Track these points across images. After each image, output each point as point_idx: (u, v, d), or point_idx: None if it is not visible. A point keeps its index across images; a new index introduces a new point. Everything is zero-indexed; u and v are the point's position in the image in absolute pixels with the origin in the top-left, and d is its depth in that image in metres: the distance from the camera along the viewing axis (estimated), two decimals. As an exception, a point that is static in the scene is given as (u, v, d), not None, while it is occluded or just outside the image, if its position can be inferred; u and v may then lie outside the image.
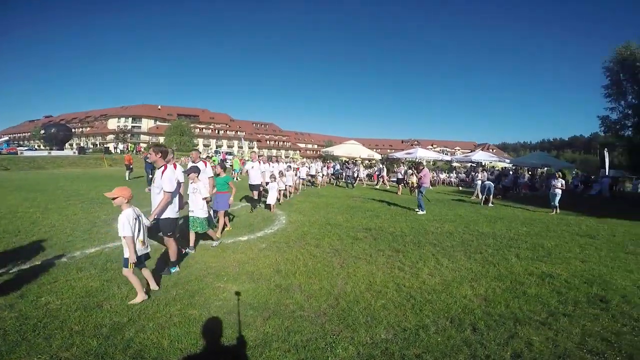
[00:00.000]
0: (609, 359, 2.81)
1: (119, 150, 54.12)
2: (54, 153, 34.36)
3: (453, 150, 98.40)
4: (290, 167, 13.07)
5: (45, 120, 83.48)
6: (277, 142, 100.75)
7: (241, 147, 72.73)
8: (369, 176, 21.44)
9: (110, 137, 74.07)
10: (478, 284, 4.40)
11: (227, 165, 21.70)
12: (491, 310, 3.66)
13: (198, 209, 5.25)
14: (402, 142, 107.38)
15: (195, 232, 5.35)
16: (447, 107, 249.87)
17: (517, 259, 5.55)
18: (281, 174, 10.45)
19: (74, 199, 9.77)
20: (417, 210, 9.95)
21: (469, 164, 29.36)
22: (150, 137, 76.50)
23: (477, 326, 3.30)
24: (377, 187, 18.87)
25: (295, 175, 13.10)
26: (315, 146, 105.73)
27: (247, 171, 9.50)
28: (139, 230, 3.55)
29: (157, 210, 4.18)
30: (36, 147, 50.31)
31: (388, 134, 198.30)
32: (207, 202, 5.49)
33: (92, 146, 64.71)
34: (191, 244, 5.33)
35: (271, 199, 9.09)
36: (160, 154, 4.40)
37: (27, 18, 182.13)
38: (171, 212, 4.38)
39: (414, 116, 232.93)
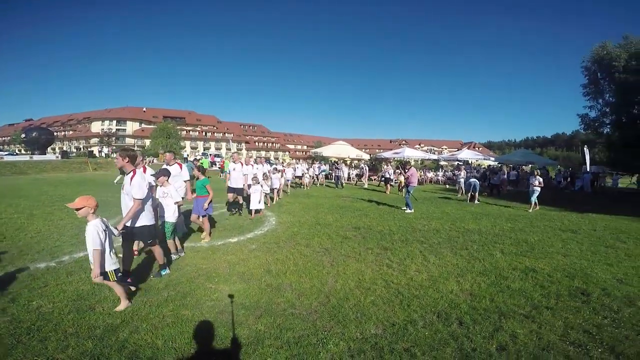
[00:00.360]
0: (591, 351, 2.92)
1: (103, 154, 53.00)
2: (36, 157, 33.35)
3: (440, 149, 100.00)
4: (276, 169, 12.54)
5: (25, 124, 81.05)
6: (265, 144, 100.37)
7: (229, 149, 72.19)
8: (359, 176, 21.58)
9: (95, 140, 72.56)
10: (464, 279, 4.54)
11: (216, 167, 21.09)
12: (476, 304, 3.78)
13: (169, 214, 5.01)
14: (391, 142, 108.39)
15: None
16: (434, 107, 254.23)
17: (502, 254, 5.73)
18: (265, 176, 9.82)
19: (59, 204, 9.57)
20: (405, 208, 10.12)
21: (456, 163, 29.87)
22: (136, 140, 75.30)
23: (463, 320, 3.42)
24: (366, 186, 19.06)
25: (281, 177, 12.54)
26: (305, 147, 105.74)
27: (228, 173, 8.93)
28: (109, 243, 3.38)
29: (126, 218, 3.95)
30: (17, 151, 48.96)
31: (376, 134, 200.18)
32: (180, 206, 5.27)
33: (75, 150, 63.26)
34: (177, 247, 5.22)
35: (255, 203, 8.39)
36: (128, 159, 4.10)
37: (4, 16, 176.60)
38: (147, 219, 4.17)
39: (401, 117, 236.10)
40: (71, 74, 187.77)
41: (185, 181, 6.21)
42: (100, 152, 57.64)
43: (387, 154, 28.43)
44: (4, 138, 79.32)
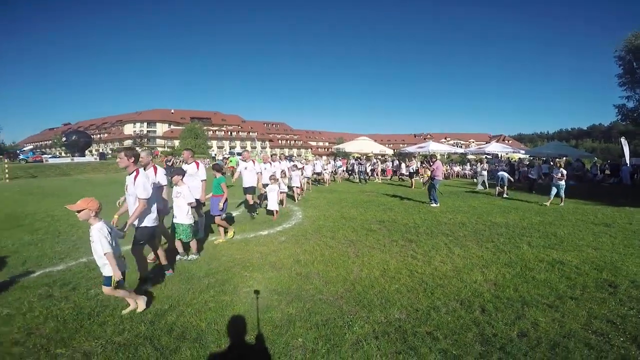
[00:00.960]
0: (612, 340, 2.96)
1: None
2: (77, 159, 35.80)
3: (467, 142, 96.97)
4: (295, 166, 12.07)
5: (64, 128, 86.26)
6: (288, 141, 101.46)
7: (254, 148, 73.72)
8: (383, 171, 21.56)
9: (128, 142, 76.13)
10: (488, 270, 4.62)
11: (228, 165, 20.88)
12: (500, 293, 3.88)
13: (182, 215, 4.86)
14: (415, 136, 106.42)
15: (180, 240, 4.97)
16: (460, 100, 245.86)
17: (529, 247, 5.72)
18: (284, 174, 9.44)
19: (103, 203, 10.34)
20: (431, 203, 10.10)
21: (484, 156, 29.09)
22: (165, 141, 78.36)
23: (485, 308, 3.54)
24: (378, 181, 19.07)
25: (302, 174, 11.93)
26: (327, 143, 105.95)
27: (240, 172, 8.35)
28: (116, 244, 3.29)
29: (132, 218, 3.87)
30: (58, 154, 52.32)
31: (400, 129, 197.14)
32: (192, 207, 5.11)
33: (110, 152, 66.73)
34: (180, 250, 5.02)
35: (272, 203, 7.94)
36: (133, 158, 3.97)
37: (38, 26, 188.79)
38: (149, 221, 4.08)
39: (426, 110, 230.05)
40: (103, 79, 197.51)
41: (202, 181, 6.00)
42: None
43: (411, 149, 28.12)
44: (46, 142, 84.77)
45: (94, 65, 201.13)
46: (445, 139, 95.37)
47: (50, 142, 73.48)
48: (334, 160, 21.37)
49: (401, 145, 76.41)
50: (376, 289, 3.99)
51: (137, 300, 3.45)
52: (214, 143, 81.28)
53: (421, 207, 9.74)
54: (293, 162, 15.36)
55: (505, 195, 12.43)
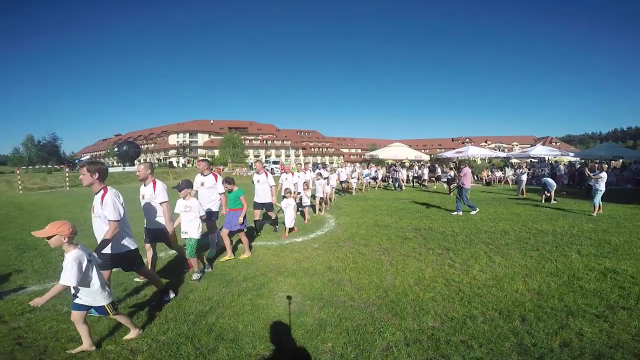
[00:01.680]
0: None
1: (180, 164, 59.00)
2: (127, 169, 38.58)
3: (510, 146, 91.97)
4: (320, 174, 10.96)
5: (115, 138, 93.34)
6: (320, 149, 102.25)
7: (288, 156, 75.28)
8: (418, 178, 21.05)
9: (172, 152, 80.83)
10: (532, 279, 4.40)
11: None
12: (543, 303, 3.69)
13: (193, 230, 4.60)
14: (453, 140, 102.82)
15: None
16: (502, 101, 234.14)
17: (578, 255, 5.36)
18: (306, 186, 8.82)
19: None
20: (471, 211, 9.63)
21: (529, 160, 27.48)
22: (206, 151, 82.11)
23: (526, 317, 3.38)
24: (402, 189, 18.51)
25: (327, 184, 11.06)
26: (359, 150, 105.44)
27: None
28: (98, 275, 2.85)
29: (101, 244, 3.30)
30: (111, 163, 56.70)
31: (436, 134, 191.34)
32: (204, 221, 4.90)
33: (157, 161, 71.21)
34: (196, 268, 4.66)
35: (289, 220, 7.22)
36: (96, 174, 3.37)
37: (89, 49, 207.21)
38: (130, 242, 3.58)
39: (464, 113, 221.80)
40: (149, 92, 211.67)
41: (220, 194, 5.67)
42: (177, 162, 64.23)
43: (448, 154, 27.24)
44: (100, 152, 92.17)
45: (142, 79, 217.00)
46: (486, 142, 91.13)
47: (104, 152, 79.80)
48: (367, 168, 20.48)
49: (438, 150, 74.19)
50: (410, 297, 3.94)
51: (132, 329, 3.16)
52: (251, 152, 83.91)
53: (459, 215, 9.39)
54: (318, 169, 14.32)
55: (553, 202, 11.66)
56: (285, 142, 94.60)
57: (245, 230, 5.74)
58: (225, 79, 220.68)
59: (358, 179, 16.42)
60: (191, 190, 4.72)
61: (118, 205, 3.38)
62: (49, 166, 39.36)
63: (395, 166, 18.95)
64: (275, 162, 47.51)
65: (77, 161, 49.66)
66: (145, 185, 4.57)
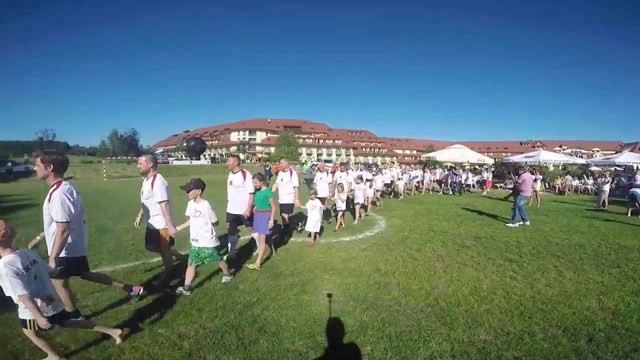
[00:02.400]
0: None
1: (241, 160, 62.26)
2: (194, 162, 41.83)
3: (590, 152, 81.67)
4: (360, 177, 9.19)
5: (184, 134, 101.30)
6: (372, 149, 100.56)
7: (339, 155, 75.43)
8: (480, 183, 19.67)
9: (233, 148, 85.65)
10: (608, 297, 3.93)
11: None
12: (617, 323, 3.29)
13: (204, 238, 3.99)
14: (521, 143, 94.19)
15: (196, 265, 4.06)
16: (580, 101, 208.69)
17: (671, 277, 4.54)
18: (341, 187, 7.63)
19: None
20: (509, 222, 8.49)
21: (613, 168, 24.09)
22: (263, 148, 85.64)
23: (594, 337, 3.04)
24: (484, 194, 17.21)
25: (370, 187, 9.68)
26: (414, 152, 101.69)
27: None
28: (41, 282, 2.48)
29: (54, 250, 2.83)
30: (180, 157, 61.72)
31: (502, 136, 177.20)
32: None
33: (219, 156, 76.02)
34: (187, 282, 3.97)
35: (311, 224, 6.26)
36: (51, 166, 2.93)
37: (159, 55, 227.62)
38: (74, 250, 3.06)
39: (533, 114, 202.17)
40: (215, 91, 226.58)
41: (250, 194, 5.17)
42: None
43: (516, 158, 24.83)
44: (170, 146, 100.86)
45: (208, 78, 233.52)
46: (561, 147, 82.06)
47: (174, 146, 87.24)
48: (414, 170, 18.53)
49: (503, 154, 68.59)
50: (462, 307, 3.68)
51: (50, 354, 2.63)
52: (304, 150, 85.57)
53: (525, 225, 8.51)
54: (361, 170, 13.01)
55: (641, 216, 10.06)
56: (336, 141, 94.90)
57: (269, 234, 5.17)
58: (282, 79, 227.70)
59: (407, 182, 15.38)
60: (200, 191, 4.12)
61: (68, 203, 2.87)
62: (128, 157, 44.16)
63: (455, 169, 17.84)
64: (327, 161, 48.02)
65: (152, 154, 55.09)
66: (146, 180, 4.18)
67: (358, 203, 8.34)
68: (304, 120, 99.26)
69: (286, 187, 6.53)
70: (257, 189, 5.12)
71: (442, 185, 18.71)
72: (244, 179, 5.18)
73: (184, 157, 54.49)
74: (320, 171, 8.00)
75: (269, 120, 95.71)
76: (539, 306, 3.72)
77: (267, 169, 21.17)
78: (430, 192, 17.16)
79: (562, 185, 20.00)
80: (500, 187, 20.29)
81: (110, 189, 16.87)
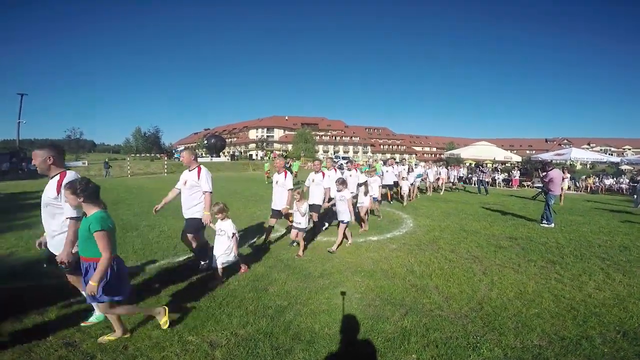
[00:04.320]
0: None
1: (259, 157, 62.90)
2: (214, 160, 42.45)
3: (621, 150, 77.91)
4: (344, 181, 5.92)
5: (204, 132, 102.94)
6: (390, 146, 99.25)
7: (356, 152, 74.89)
8: (506, 181, 18.98)
9: (252, 145, 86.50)
10: (668, 301, 3.61)
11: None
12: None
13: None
14: (547, 141, 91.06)
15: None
16: (609, 98, 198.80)
17: None
18: (298, 195, 5.44)
19: (234, 197, 11.93)
20: (542, 222, 8.02)
21: None
22: (281, 145, 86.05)
23: (658, 341, 2.77)
24: (428, 194, 14.77)
25: (366, 194, 7.16)
26: (434, 149, 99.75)
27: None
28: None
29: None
30: (200, 154, 62.81)
31: (526, 133, 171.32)
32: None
33: (239, 154, 76.86)
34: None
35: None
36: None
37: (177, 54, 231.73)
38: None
39: (559, 110, 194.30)
40: (234, 90, 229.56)
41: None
42: (256, 155, 68.64)
43: (545, 155, 23.81)
44: (192, 144, 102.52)
45: (227, 78, 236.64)
46: (589, 145, 78.59)
47: (195, 144, 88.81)
48: (417, 167, 14.53)
49: (528, 151, 66.32)
50: (510, 312, 3.47)
51: None
52: (320, 147, 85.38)
53: (563, 224, 8.06)
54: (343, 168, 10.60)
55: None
56: (353, 138, 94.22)
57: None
58: (300, 76, 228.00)
59: (412, 183, 11.92)
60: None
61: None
62: (151, 155, 45.22)
63: (481, 167, 17.21)
64: (344, 158, 47.65)
65: (173, 151, 56.38)
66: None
67: (342, 221, 5.67)
68: (322, 117, 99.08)
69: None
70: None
71: (463, 182, 18.15)
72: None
73: (204, 154, 55.39)
74: (278, 172, 5.99)
75: (286, 117, 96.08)
76: (592, 310, 3.53)
77: (288, 165, 21.30)
78: (451, 190, 16.42)
79: (594, 184, 19.08)
80: (528, 185, 19.53)
81: (135, 185, 17.21)
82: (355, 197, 7.26)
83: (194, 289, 3.99)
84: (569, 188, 15.65)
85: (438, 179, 15.07)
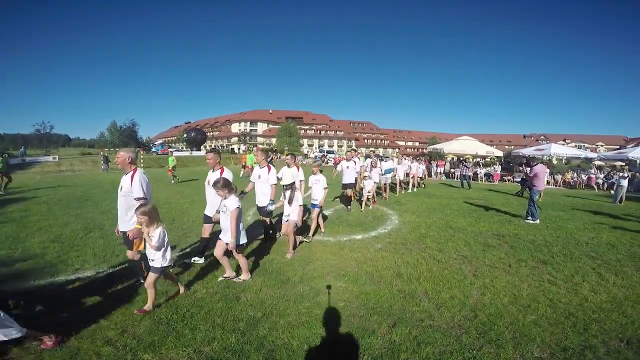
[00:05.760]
0: None
1: (241, 151, 61.74)
2: (194, 153, 41.14)
3: (594, 146, 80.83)
4: (290, 186, 5.18)
5: (185, 126, 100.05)
6: (374, 141, 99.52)
7: (340, 147, 74.70)
8: (488, 175, 19.10)
9: (234, 139, 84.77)
10: (663, 304, 3.42)
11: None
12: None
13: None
14: (525, 137, 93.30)
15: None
16: (585, 95, 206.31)
17: None
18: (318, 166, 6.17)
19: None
20: (527, 218, 7.91)
21: (617, 163, 23.35)
22: (265, 139, 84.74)
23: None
24: (409, 191, 13.42)
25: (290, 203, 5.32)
26: (417, 144, 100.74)
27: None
28: None
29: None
30: (180, 148, 61.01)
31: (504, 129, 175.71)
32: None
33: (220, 147, 75.08)
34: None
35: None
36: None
37: (159, 45, 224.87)
38: None
39: (536, 107, 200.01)
40: (216, 82, 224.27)
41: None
42: (239, 149, 67.33)
43: (526, 151, 24.08)
44: (171, 137, 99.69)
45: (210, 70, 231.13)
46: (565, 140, 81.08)
47: (175, 138, 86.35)
48: (384, 161, 12.43)
49: (507, 146, 67.76)
50: (506, 320, 3.21)
51: None
52: (305, 141, 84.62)
53: (548, 221, 7.94)
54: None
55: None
56: (338, 132, 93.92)
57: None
58: (283, 69, 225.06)
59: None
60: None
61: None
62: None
63: (465, 162, 17.13)
64: (330, 152, 47.29)
65: (151, 145, 54.51)
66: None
67: (315, 206, 6.00)
68: (306, 111, 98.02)
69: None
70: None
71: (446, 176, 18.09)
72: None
73: (184, 148, 53.82)
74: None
75: (270, 111, 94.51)
76: (590, 315, 3.35)
77: (269, 159, 20.62)
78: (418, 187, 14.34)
79: (572, 179, 19.46)
80: (509, 180, 19.72)
81: (108, 180, 16.26)
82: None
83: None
84: (548, 183, 15.83)
85: (408, 174, 13.38)
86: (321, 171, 6.11)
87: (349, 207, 8.64)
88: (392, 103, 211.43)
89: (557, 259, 5.04)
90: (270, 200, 5.25)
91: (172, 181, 15.31)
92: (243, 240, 3.95)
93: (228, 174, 4.47)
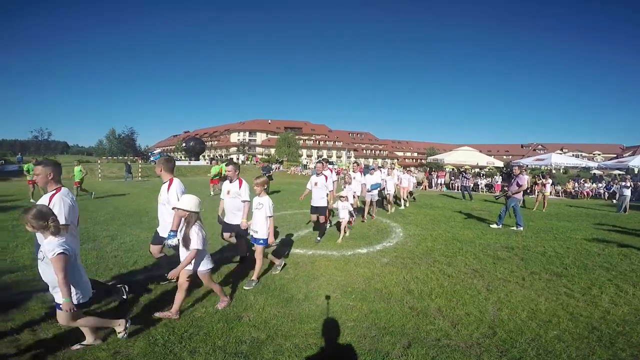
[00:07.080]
0: None
1: (241, 161, 61.56)
2: (193, 163, 40.97)
3: (591, 155, 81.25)
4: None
5: (184, 134, 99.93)
6: (373, 151, 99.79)
7: (339, 157, 74.76)
8: (489, 186, 18.97)
9: (233, 149, 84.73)
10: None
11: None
12: None
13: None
14: (522, 146, 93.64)
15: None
16: (581, 104, 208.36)
17: None
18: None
19: (215, 202, 11.14)
20: (494, 223, 8.45)
21: (615, 172, 23.34)
22: (264, 149, 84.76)
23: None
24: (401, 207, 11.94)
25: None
26: (415, 154, 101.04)
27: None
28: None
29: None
30: (179, 157, 60.73)
31: (502, 139, 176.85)
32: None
33: (219, 157, 75.00)
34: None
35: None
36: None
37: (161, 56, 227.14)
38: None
39: (533, 117, 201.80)
40: (215, 92, 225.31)
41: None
42: (238, 159, 67.17)
43: (526, 161, 24.06)
44: (170, 146, 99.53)
45: (210, 80, 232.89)
46: (562, 150, 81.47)
47: (173, 147, 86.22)
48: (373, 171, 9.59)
49: (505, 156, 68.06)
50: (527, 336, 3.04)
51: None
52: (304, 152, 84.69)
53: (556, 232, 7.79)
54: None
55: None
56: (337, 142, 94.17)
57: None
58: (283, 80, 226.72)
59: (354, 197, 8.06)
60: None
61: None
62: (126, 157, 43.24)
63: (465, 173, 17.02)
64: (330, 162, 47.26)
65: (149, 154, 54.12)
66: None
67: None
68: (305, 121, 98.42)
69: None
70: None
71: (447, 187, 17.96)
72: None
73: (183, 158, 53.60)
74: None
75: (269, 121, 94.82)
76: (615, 329, 3.21)
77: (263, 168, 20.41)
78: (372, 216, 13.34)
79: (574, 189, 19.38)
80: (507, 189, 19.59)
81: (104, 189, 16.02)
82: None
83: (148, 317, 3.28)
84: (550, 193, 15.70)
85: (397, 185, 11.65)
86: (266, 191, 4.54)
87: (319, 237, 6.48)
88: (390, 114, 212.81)
89: (570, 271, 4.87)
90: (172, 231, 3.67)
91: (212, 192, 14.67)
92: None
93: (246, 185, 4.74)
